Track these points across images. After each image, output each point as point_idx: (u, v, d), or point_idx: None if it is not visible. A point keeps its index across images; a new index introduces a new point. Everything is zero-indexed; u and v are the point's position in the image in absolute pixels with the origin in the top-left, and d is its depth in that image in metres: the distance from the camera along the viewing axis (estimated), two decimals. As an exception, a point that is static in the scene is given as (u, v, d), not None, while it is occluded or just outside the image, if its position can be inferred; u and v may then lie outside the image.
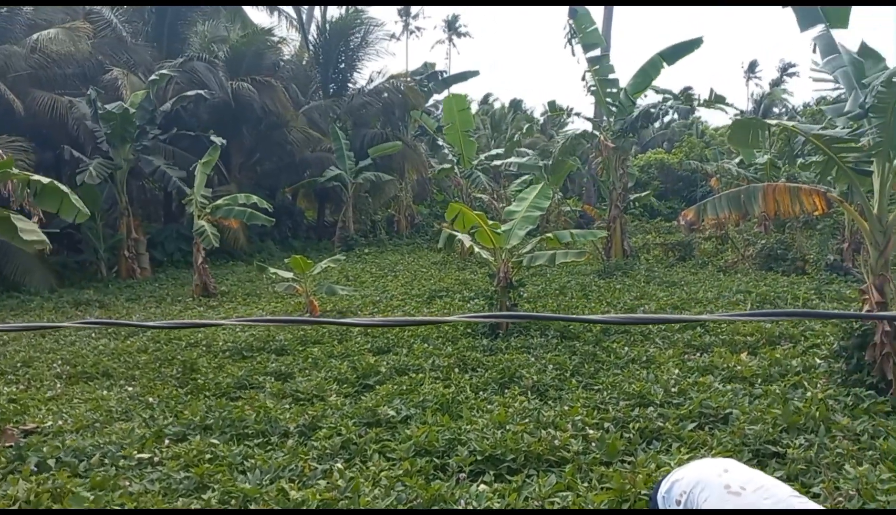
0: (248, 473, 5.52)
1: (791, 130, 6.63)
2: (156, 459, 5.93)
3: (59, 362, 10.11)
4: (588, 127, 20.87)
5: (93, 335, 12.31)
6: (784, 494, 2.64)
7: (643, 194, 27.56)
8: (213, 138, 17.69)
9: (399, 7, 79.42)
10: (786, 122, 6.85)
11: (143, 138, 20.48)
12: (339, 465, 5.66)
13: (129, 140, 19.95)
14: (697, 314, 11.31)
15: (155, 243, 22.93)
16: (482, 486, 5.19)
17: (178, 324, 1.85)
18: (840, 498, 4.47)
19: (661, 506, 2.92)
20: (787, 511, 2.29)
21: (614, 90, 18.03)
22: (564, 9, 17.48)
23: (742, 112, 28.23)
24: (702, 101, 16.71)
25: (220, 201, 17.02)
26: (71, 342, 11.77)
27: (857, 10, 7.15)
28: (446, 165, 25.03)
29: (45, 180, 10.22)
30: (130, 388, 8.66)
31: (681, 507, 2.79)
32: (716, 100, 17.63)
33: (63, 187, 10.54)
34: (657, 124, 28.03)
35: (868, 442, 5.60)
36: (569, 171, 22.80)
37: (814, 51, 7.30)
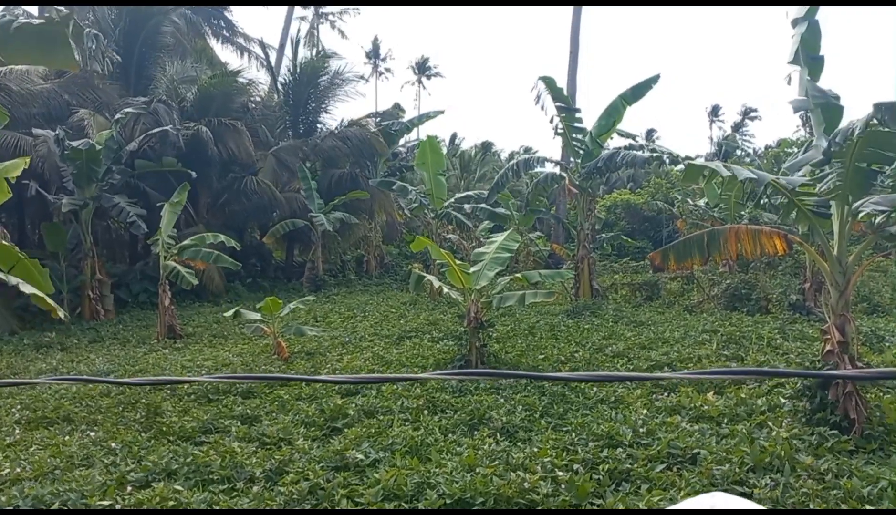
0: (213, 520, 5.40)
1: (743, 180, 6.82)
2: (117, 507, 5.78)
3: (19, 407, 9.84)
4: (556, 169, 21.18)
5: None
6: None
7: (612, 234, 27.93)
8: (181, 172, 17.59)
9: (368, 49, 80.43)
10: (739, 169, 7.02)
11: (109, 177, 20.31)
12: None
13: (95, 179, 19.77)
14: (665, 353, 11.42)
15: (120, 284, 22.59)
16: (452, 531, 5.14)
17: (154, 381, 1.83)
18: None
19: None
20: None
21: (581, 136, 18.40)
22: (531, 52, 17.86)
23: (706, 156, 28.92)
24: (665, 161, 17.05)
25: (187, 242, 16.88)
26: (31, 386, 11.48)
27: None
28: (416, 206, 25.16)
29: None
30: (92, 433, 8.44)
31: None
32: (680, 160, 18.00)
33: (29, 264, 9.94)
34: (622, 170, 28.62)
35: (832, 482, 5.67)
36: (537, 214, 23.08)
37: (788, 83, 7.63)
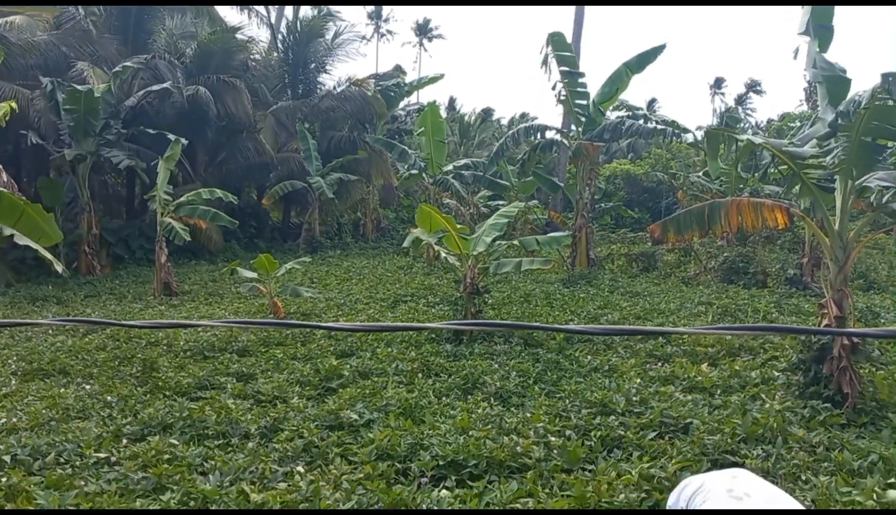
0: (209, 474, 5.43)
1: (759, 145, 6.78)
2: (113, 459, 5.81)
3: (15, 358, 9.86)
4: (557, 136, 21.02)
5: (50, 331, 12.03)
6: (788, 504, 2.55)
7: (611, 204, 27.86)
8: (173, 136, 17.48)
9: (370, 9, 79.28)
10: (754, 138, 6.99)
11: (107, 132, 20.11)
12: (300, 468, 5.61)
13: (93, 133, 19.55)
14: (660, 325, 11.45)
15: (117, 240, 22.52)
16: (444, 491, 5.18)
17: (162, 325, 1.81)
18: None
19: None
20: (789, 510, 2.23)
21: (583, 103, 18.23)
22: (534, 20, 17.61)
23: (707, 127, 28.67)
24: (672, 132, 16.88)
25: (183, 198, 16.79)
26: (27, 338, 11.50)
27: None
28: (414, 171, 25.00)
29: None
30: (88, 386, 8.47)
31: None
32: (688, 131, 17.92)
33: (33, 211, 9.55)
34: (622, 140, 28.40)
35: (823, 454, 5.72)
36: (537, 182, 22.97)
37: (794, 57, 7.55)
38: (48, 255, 8.34)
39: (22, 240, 8.03)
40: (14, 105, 9.08)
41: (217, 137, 25.76)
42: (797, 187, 7.31)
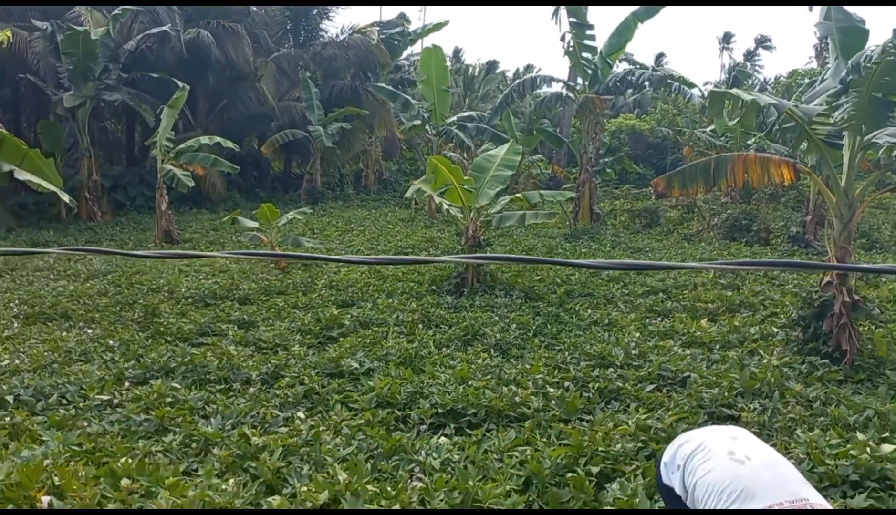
0: (210, 418, 5.49)
1: (764, 106, 6.68)
2: (115, 401, 5.86)
3: (17, 302, 9.90)
4: (562, 89, 20.75)
5: (51, 276, 12.07)
6: (790, 473, 2.54)
7: (615, 158, 27.63)
8: (180, 83, 17.22)
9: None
10: (760, 96, 6.88)
11: (106, 76, 19.86)
12: (300, 414, 5.66)
13: (92, 78, 19.32)
14: (661, 281, 11.45)
15: (117, 186, 22.44)
16: (442, 438, 5.23)
17: (175, 254, 1.79)
18: (790, 461, 4.60)
19: (663, 473, 2.83)
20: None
21: (590, 56, 17.94)
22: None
23: (715, 84, 28.30)
24: (679, 86, 16.59)
25: (183, 145, 16.66)
26: (29, 282, 11.54)
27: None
28: (417, 122, 24.74)
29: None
30: (90, 331, 8.52)
31: (681, 471, 2.71)
32: (689, 85, 17.61)
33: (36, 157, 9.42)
34: (630, 92, 27.99)
35: (820, 409, 5.76)
36: (541, 135, 22.78)
37: (810, 10, 7.39)
38: (52, 187, 8.28)
39: (22, 175, 7.98)
40: (9, 34, 8.90)
41: (218, 85, 25.45)
42: (804, 144, 7.24)
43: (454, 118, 24.47)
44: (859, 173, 8.37)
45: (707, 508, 2.50)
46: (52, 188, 8.56)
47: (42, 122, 20.89)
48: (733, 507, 2.39)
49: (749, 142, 18.35)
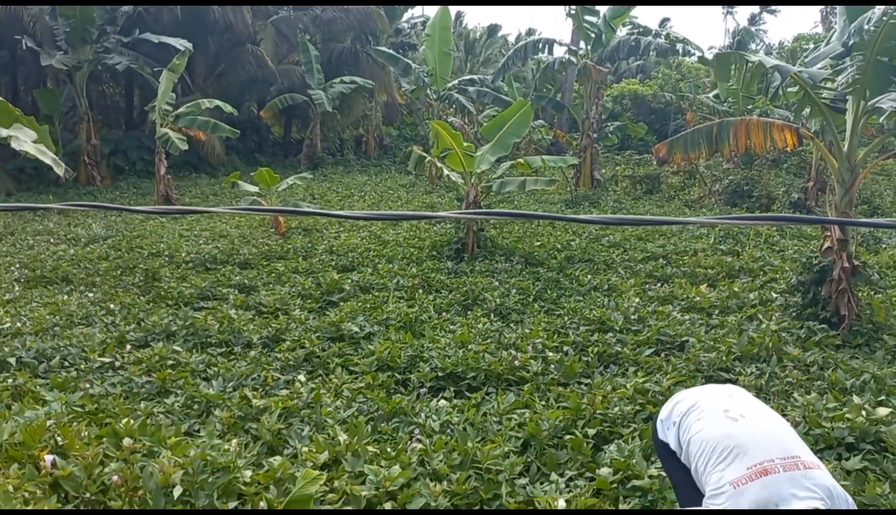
0: (212, 380, 5.53)
1: (770, 68, 6.60)
2: (117, 363, 5.90)
3: (17, 266, 9.92)
4: (565, 53, 20.53)
5: (51, 240, 12.08)
6: (784, 431, 2.55)
7: (617, 124, 27.42)
8: (179, 44, 17.01)
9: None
10: (766, 58, 6.80)
11: (104, 39, 19.65)
12: (301, 377, 5.70)
13: (90, 40, 19.12)
14: (661, 246, 11.45)
15: (116, 151, 22.33)
16: (442, 401, 5.28)
17: (170, 210, 1.79)
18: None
19: (659, 429, 2.86)
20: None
21: (594, 19, 17.72)
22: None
23: (719, 48, 27.96)
24: (684, 50, 16.36)
25: (183, 109, 16.54)
26: (29, 246, 11.55)
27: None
28: (417, 86, 24.51)
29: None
30: (91, 294, 8.55)
31: (677, 428, 2.74)
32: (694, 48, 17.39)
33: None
34: (633, 59, 27.67)
35: (817, 373, 5.80)
36: (543, 101, 22.56)
37: None
38: (47, 159, 8.24)
39: (19, 143, 7.91)
40: None
41: (217, 48, 25.18)
42: (807, 109, 7.18)
43: (455, 82, 24.26)
44: (862, 139, 8.32)
45: (700, 463, 2.53)
46: (47, 160, 8.47)
47: (39, 90, 20.72)
48: (725, 463, 2.42)
49: (750, 106, 18.19)
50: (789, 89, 6.98)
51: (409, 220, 12.76)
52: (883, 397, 5.15)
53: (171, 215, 15.33)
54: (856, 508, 2.27)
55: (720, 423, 2.57)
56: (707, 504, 2.43)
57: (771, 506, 2.24)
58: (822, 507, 2.20)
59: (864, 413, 4.55)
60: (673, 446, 2.75)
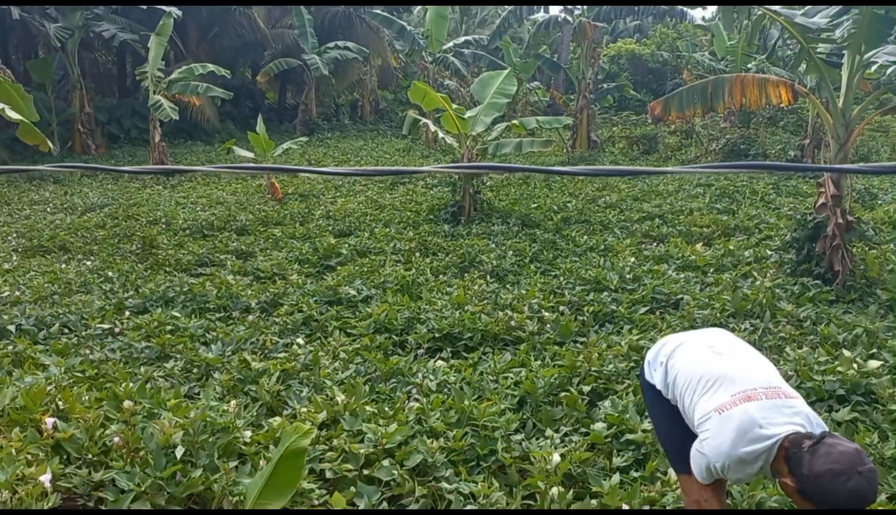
0: (211, 345, 5.58)
1: (771, 18, 6.54)
2: (116, 330, 5.95)
3: (14, 235, 9.94)
4: (561, 13, 20.30)
5: (48, 209, 12.08)
6: (768, 368, 2.62)
7: (614, 85, 27.23)
8: (169, 10, 16.79)
9: None
10: (769, 6, 6.73)
11: (94, 6, 19.40)
12: (299, 340, 5.74)
13: (79, 7, 18.87)
14: (658, 206, 11.46)
15: (110, 119, 22.19)
16: (439, 361, 5.34)
17: (159, 170, 1.80)
18: (778, 377, 4.70)
19: (646, 370, 2.92)
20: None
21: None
22: None
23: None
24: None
25: (175, 75, 16.40)
26: (26, 215, 11.55)
27: None
28: (413, 49, 24.26)
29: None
30: (89, 263, 8.58)
31: (664, 367, 2.80)
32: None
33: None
34: (630, 18, 27.36)
35: (810, 328, 5.85)
36: (539, 61, 22.41)
37: None
38: (38, 133, 8.19)
39: (13, 114, 7.86)
40: None
41: (209, 13, 24.85)
42: (803, 65, 7.13)
43: (451, 44, 24.01)
44: (858, 95, 8.28)
45: (686, 396, 2.61)
46: (37, 134, 8.39)
47: (31, 61, 20.48)
48: (710, 392, 2.51)
49: (749, 65, 18.03)
50: (788, 40, 6.91)
51: (385, 175, 12.80)
52: (874, 350, 5.20)
53: (162, 175, 15.31)
54: (827, 430, 2.35)
55: (705, 358, 2.66)
56: (697, 434, 2.52)
57: (755, 428, 2.33)
58: (802, 431, 2.29)
59: (855, 366, 4.61)
60: (660, 386, 2.82)
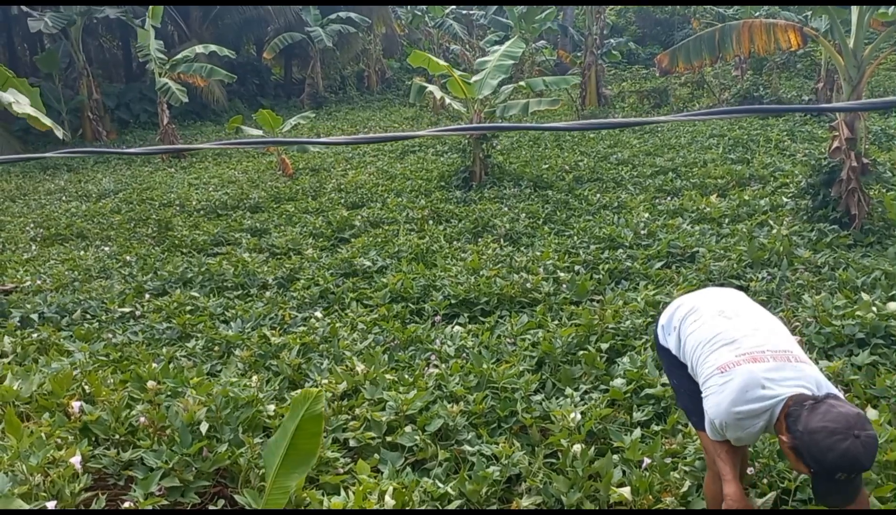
0: (230, 322, 5.65)
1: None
2: (137, 313, 6.03)
3: (32, 225, 10.04)
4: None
5: (63, 198, 12.18)
6: (778, 329, 2.57)
7: (622, 39, 26.81)
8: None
9: None
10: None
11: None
12: (317, 313, 5.80)
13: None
14: (671, 160, 11.35)
15: (119, 104, 22.23)
16: (457, 327, 5.36)
17: (178, 149, 1.81)
18: (797, 324, 4.69)
19: (660, 335, 2.93)
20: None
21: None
22: None
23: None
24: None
25: (179, 56, 16.34)
26: (41, 205, 11.66)
27: None
28: (416, 15, 23.99)
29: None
30: (107, 248, 8.66)
31: (677, 332, 2.80)
32: None
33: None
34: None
35: (828, 274, 5.81)
36: (545, 20, 22.02)
37: None
38: (46, 121, 8.23)
39: (21, 107, 7.89)
40: None
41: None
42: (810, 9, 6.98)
43: (452, 7, 23.71)
44: (870, 34, 8.08)
45: (694, 359, 2.60)
46: (47, 121, 8.41)
47: (38, 57, 20.47)
48: (717, 353, 2.49)
49: (757, 13, 17.66)
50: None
51: (388, 141, 12.75)
52: (894, 292, 5.16)
53: (172, 154, 15.36)
54: (839, 395, 2.32)
55: (716, 322, 2.64)
56: (703, 392, 2.52)
57: (757, 387, 2.31)
58: (808, 394, 2.25)
59: (874, 309, 4.58)
60: (674, 350, 2.82)
